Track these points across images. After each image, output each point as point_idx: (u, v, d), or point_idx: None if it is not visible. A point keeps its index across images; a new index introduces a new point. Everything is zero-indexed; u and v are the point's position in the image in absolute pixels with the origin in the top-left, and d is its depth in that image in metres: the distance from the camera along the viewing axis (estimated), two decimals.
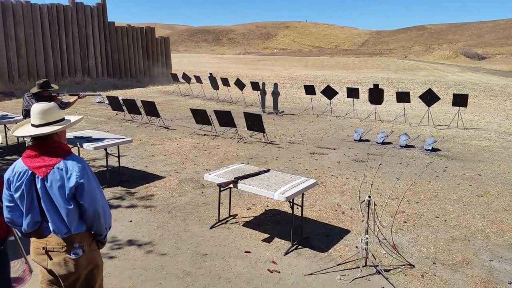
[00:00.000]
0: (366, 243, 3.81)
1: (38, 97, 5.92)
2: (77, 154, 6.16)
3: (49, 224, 2.31)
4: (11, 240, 2.82)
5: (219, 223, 4.88)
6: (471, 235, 4.69)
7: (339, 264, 3.99)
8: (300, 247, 4.34)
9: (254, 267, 3.92)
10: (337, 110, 13.82)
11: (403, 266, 3.97)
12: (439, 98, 11.95)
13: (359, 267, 3.85)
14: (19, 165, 2.32)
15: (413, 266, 3.98)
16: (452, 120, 11.77)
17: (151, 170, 6.97)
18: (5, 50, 16.95)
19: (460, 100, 11.48)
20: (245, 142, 9.14)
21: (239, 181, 4.39)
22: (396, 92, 12.93)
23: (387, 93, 17.47)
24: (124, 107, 11.44)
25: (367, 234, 3.80)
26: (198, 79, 18.58)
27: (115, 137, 6.51)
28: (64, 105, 5.89)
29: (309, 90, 14.34)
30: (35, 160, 2.28)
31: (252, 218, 5.08)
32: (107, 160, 6.34)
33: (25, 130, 2.39)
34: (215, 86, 16.90)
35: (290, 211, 4.41)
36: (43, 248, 2.33)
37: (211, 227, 4.77)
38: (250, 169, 4.87)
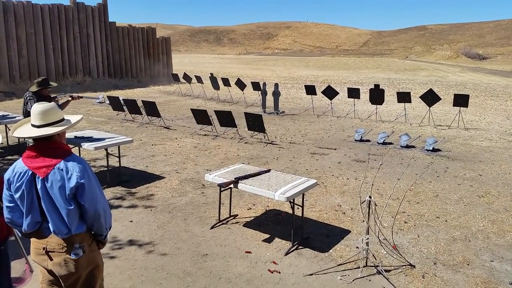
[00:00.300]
0: (367, 244, 3.80)
1: (39, 97, 5.93)
2: (78, 154, 6.19)
3: (50, 224, 2.31)
4: (12, 240, 2.82)
5: (220, 223, 4.88)
6: (471, 235, 4.68)
7: (339, 265, 3.98)
8: (300, 247, 4.33)
9: (254, 267, 3.92)
10: (338, 110, 13.81)
11: (404, 267, 3.96)
12: (440, 99, 11.94)
13: (359, 268, 3.85)
14: (19, 165, 2.32)
15: (414, 266, 3.97)
16: (453, 121, 11.76)
17: (152, 170, 6.97)
18: (6, 50, 16.97)
19: (461, 101, 11.47)
20: (246, 142, 9.14)
21: (239, 181, 4.39)
22: (397, 92, 12.92)
23: (388, 93, 17.46)
24: (125, 107, 11.44)
25: (368, 234, 3.80)
26: (199, 79, 18.59)
27: (116, 137, 6.51)
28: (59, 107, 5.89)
29: (310, 90, 14.34)
30: (35, 161, 2.28)
31: (253, 218, 5.08)
32: (107, 160, 6.34)
33: (26, 131, 2.38)
34: (215, 86, 16.90)
35: (290, 211, 4.41)
36: (43, 248, 2.33)
37: (212, 227, 4.77)
38: (250, 169, 4.87)
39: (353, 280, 3.71)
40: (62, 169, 2.26)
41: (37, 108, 2.37)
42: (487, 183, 6.58)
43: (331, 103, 13.68)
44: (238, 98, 16.44)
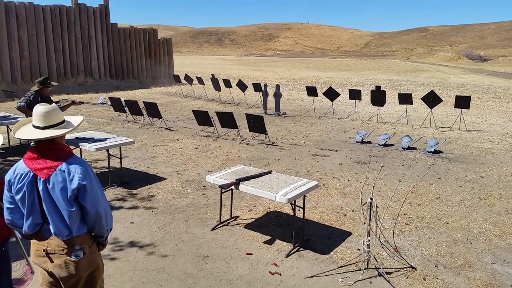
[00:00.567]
0: (368, 246, 3.79)
1: (40, 97, 5.96)
2: (79, 155, 6.18)
3: (50, 226, 2.31)
4: (13, 241, 2.82)
5: (221, 225, 4.87)
6: (473, 237, 4.67)
7: (340, 267, 3.98)
8: (301, 249, 4.33)
9: (255, 269, 3.92)
10: (339, 112, 13.81)
11: (405, 269, 3.95)
12: (442, 100, 11.92)
13: (360, 270, 3.84)
14: (20, 166, 2.32)
15: (415, 268, 3.96)
16: (455, 122, 11.74)
17: (153, 172, 6.97)
18: (8, 51, 17.00)
19: (462, 102, 11.45)
20: (247, 144, 9.14)
21: (240, 182, 4.39)
22: (398, 94, 12.92)
23: (389, 94, 17.44)
24: (126, 108, 11.45)
25: (369, 236, 3.79)
26: (200, 81, 18.60)
27: (117, 138, 6.51)
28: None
29: (311, 91, 14.33)
30: (37, 162, 2.27)
31: (254, 220, 5.07)
32: (109, 161, 6.35)
33: (30, 133, 2.37)
34: (217, 87, 16.91)
35: (291, 213, 4.40)
36: (44, 250, 2.33)
37: (213, 229, 4.77)
38: (251, 170, 4.87)
39: (354, 282, 3.71)
40: (64, 171, 2.26)
41: (40, 109, 2.36)
42: (489, 185, 6.57)
43: (332, 104, 13.67)
44: (240, 99, 16.45)
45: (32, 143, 2.41)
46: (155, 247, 4.32)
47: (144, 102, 11.08)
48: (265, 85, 13.73)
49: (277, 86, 13.44)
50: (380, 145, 9.06)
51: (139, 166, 7.29)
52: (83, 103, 7.27)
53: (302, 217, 4.54)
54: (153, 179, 6.58)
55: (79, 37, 19.81)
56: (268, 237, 4.59)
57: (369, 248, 3.82)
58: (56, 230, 2.29)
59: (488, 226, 4.98)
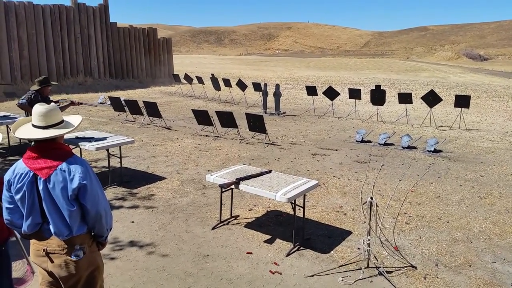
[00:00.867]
0: (368, 245, 3.79)
1: (42, 99, 5.95)
2: (79, 155, 6.18)
3: (50, 226, 2.30)
4: (13, 241, 2.82)
5: (221, 224, 4.87)
6: (473, 236, 4.67)
7: (341, 266, 3.98)
8: (302, 248, 4.33)
9: (256, 268, 3.92)
10: (339, 111, 13.80)
11: (405, 268, 3.95)
12: (441, 99, 11.92)
13: (361, 269, 3.84)
14: (20, 166, 2.31)
15: (415, 267, 3.96)
16: (454, 121, 11.74)
17: (153, 171, 6.97)
18: (8, 51, 17.00)
19: (462, 101, 11.45)
20: (247, 143, 9.14)
21: (240, 182, 4.38)
22: (398, 93, 12.92)
23: (389, 94, 17.45)
24: (126, 108, 11.45)
25: (369, 235, 3.79)
26: (200, 80, 18.60)
27: (117, 137, 6.51)
28: None
29: (311, 91, 14.33)
30: (37, 162, 2.27)
31: (254, 219, 5.07)
32: (109, 161, 6.34)
33: (30, 132, 2.36)
34: (216, 87, 16.91)
35: (292, 212, 4.40)
36: (44, 250, 2.33)
37: (213, 228, 4.77)
38: (251, 170, 4.87)
39: (354, 282, 3.70)
40: (64, 170, 2.25)
41: (40, 109, 2.36)
42: (489, 184, 6.57)
43: (332, 103, 13.67)
44: (239, 98, 16.44)
45: (32, 143, 2.40)
46: (155, 247, 4.31)
47: (143, 101, 11.07)
48: (265, 85, 13.73)
49: (277, 86, 13.44)
50: (380, 144, 9.06)
51: (139, 165, 7.29)
52: (81, 103, 7.26)
53: (302, 216, 4.53)
54: (153, 178, 6.58)
55: (78, 36, 19.80)
56: (269, 236, 4.59)
57: (370, 247, 3.82)
58: (56, 229, 2.29)
59: (489, 225, 4.98)
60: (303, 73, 36.95)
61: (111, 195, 5.75)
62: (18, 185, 2.27)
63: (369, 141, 9.45)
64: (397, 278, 3.78)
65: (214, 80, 17.13)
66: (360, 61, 60.74)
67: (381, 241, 4.13)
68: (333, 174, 6.98)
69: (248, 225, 4.88)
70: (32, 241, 2.39)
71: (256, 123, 9.07)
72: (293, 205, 4.27)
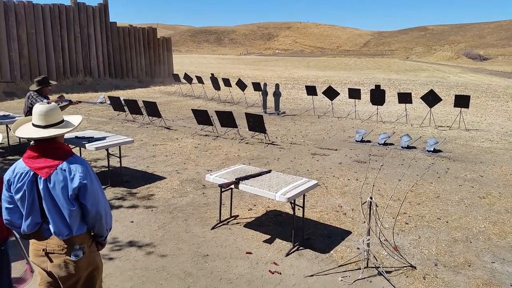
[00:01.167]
0: (368, 245, 3.79)
1: (44, 97, 5.93)
2: (79, 154, 6.18)
3: (50, 225, 2.30)
4: (12, 241, 2.82)
5: (220, 224, 4.87)
6: (473, 236, 4.67)
7: (340, 266, 3.98)
8: (301, 248, 4.33)
9: (255, 268, 3.92)
10: (339, 111, 13.81)
11: (405, 268, 3.95)
12: (441, 99, 11.93)
13: (360, 269, 3.84)
14: (20, 165, 2.31)
15: (415, 267, 3.96)
16: (454, 121, 11.75)
17: (153, 171, 6.97)
18: (7, 50, 16.99)
19: (462, 101, 11.46)
20: (247, 143, 9.14)
21: (240, 181, 4.38)
22: (398, 93, 12.92)
23: (388, 94, 17.45)
24: (125, 108, 11.44)
25: (369, 235, 3.79)
26: (200, 80, 18.59)
27: (117, 137, 6.51)
28: None
29: (311, 90, 14.33)
30: (37, 161, 2.27)
31: (253, 219, 5.07)
32: (108, 161, 6.34)
33: (30, 131, 2.36)
34: (216, 86, 16.91)
35: (291, 212, 4.40)
36: (43, 250, 2.32)
37: (212, 228, 4.77)
38: (251, 169, 4.87)
39: (354, 281, 3.70)
40: (64, 170, 2.25)
41: (40, 108, 2.35)
42: (488, 184, 6.57)
43: (332, 103, 13.67)
44: (239, 98, 16.44)
45: (31, 142, 2.40)
46: (154, 246, 4.31)
47: (143, 101, 11.07)
48: (265, 84, 13.73)
49: (277, 85, 13.44)
50: (380, 144, 9.07)
51: (138, 165, 7.29)
52: (80, 102, 7.25)
53: (301, 216, 4.54)
54: (153, 178, 6.58)
55: (78, 36, 19.79)
56: (268, 236, 4.59)
57: (369, 247, 3.82)
58: (56, 229, 2.29)
59: (488, 225, 4.98)
60: (303, 73, 36.95)
61: (110, 194, 5.75)
62: (18, 185, 2.27)
63: (369, 141, 9.45)
64: (397, 278, 3.79)
65: (213, 79, 17.13)
66: (360, 61, 60.75)
67: (380, 241, 4.13)
68: (333, 174, 6.98)
69: (248, 225, 4.88)
70: (32, 241, 2.38)
71: (256, 123, 9.07)
72: (292, 205, 4.27)
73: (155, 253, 4.17)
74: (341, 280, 3.73)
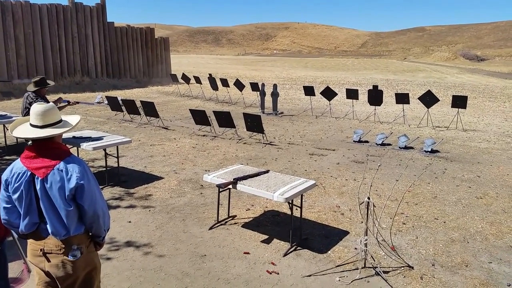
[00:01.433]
0: (365, 245, 3.80)
1: (41, 98, 5.90)
2: (76, 155, 6.17)
3: (48, 225, 2.29)
4: (9, 241, 2.81)
5: (218, 224, 4.87)
6: (470, 237, 4.69)
7: (338, 266, 3.98)
8: (299, 248, 4.33)
9: (253, 268, 3.92)
10: (337, 111, 13.82)
11: (402, 268, 3.96)
12: (438, 100, 11.96)
13: (358, 269, 3.85)
14: (17, 166, 2.30)
15: (412, 267, 3.97)
16: (451, 122, 11.78)
17: (150, 171, 6.96)
18: (4, 50, 16.94)
19: (459, 102, 11.49)
20: (244, 143, 9.14)
21: (238, 182, 4.38)
22: (395, 94, 12.94)
23: (386, 94, 17.46)
24: (123, 108, 11.43)
25: (366, 235, 3.80)
26: (198, 80, 18.59)
27: (114, 137, 6.49)
28: None
29: (309, 91, 14.34)
30: (34, 161, 2.26)
31: (251, 219, 5.07)
32: (106, 161, 6.33)
33: (28, 131, 2.35)
34: (214, 86, 16.90)
35: (289, 212, 4.40)
36: (41, 250, 2.32)
37: (210, 228, 4.76)
38: (249, 170, 4.87)
39: (351, 281, 3.71)
40: (61, 170, 2.25)
41: (38, 108, 2.35)
42: (486, 184, 6.59)
43: (330, 104, 13.69)
44: (237, 98, 16.44)
45: (29, 142, 2.39)
46: (152, 247, 4.31)
47: (141, 101, 11.05)
48: (263, 85, 13.73)
49: (275, 86, 13.44)
50: (377, 145, 9.08)
51: (136, 165, 7.28)
52: (78, 103, 7.24)
53: (299, 216, 4.54)
54: (151, 178, 6.57)
55: (75, 36, 19.75)
56: (266, 236, 4.59)
57: (367, 247, 3.83)
58: (53, 229, 2.28)
59: (485, 225, 5.00)
60: (301, 73, 36.97)
61: (108, 195, 5.74)
62: (16, 185, 2.26)
63: (367, 141, 9.46)
64: (394, 278, 3.79)
65: (211, 80, 17.12)
66: (358, 62, 60.83)
67: (378, 241, 4.14)
68: (331, 174, 6.99)
69: (246, 225, 4.88)
70: (29, 241, 2.38)
71: (254, 123, 9.07)
72: (290, 205, 4.27)
73: (152, 253, 4.16)
74: (339, 280, 3.73)
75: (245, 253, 4.21)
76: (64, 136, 5.39)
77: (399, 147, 8.80)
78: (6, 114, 8.34)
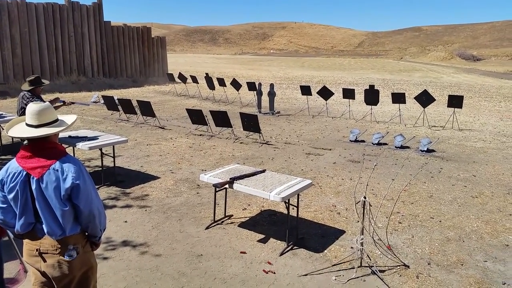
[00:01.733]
0: (361, 244, 3.81)
1: (37, 97, 5.87)
2: (72, 154, 6.15)
3: (43, 225, 2.29)
4: (5, 241, 2.80)
5: (215, 224, 4.87)
6: (465, 235, 4.71)
7: (334, 265, 3.99)
8: (295, 247, 4.34)
9: (249, 268, 3.92)
10: (333, 111, 13.84)
11: (398, 267, 3.98)
12: (434, 99, 12.00)
13: (354, 268, 3.86)
14: (13, 165, 2.30)
15: (408, 266, 3.99)
16: (447, 121, 11.82)
17: (147, 170, 6.95)
18: (0, 49, 16.85)
19: (455, 101, 11.53)
20: (241, 143, 9.14)
21: (234, 181, 4.39)
22: (392, 93, 12.98)
23: (382, 94, 17.52)
24: (119, 107, 11.40)
25: (362, 234, 3.81)
26: (194, 79, 18.56)
27: (110, 137, 6.48)
28: None
29: (305, 90, 14.36)
30: (30, 161, 2.25)
31: (248, 218, 5.07)
32: (102, 160, 6.31)
33: (23, 131, 2.34)
34: (211, 86, 16.89)
35: (285, 211, 4.41)
36: (37, 250, 2.31)
37: (207, 228, 4.77)
38: (245, 169, 4.87)
39: (347, 281, 3.72)
40: (57, 170, 2.24)
41: (33, 108, 2.34)
42: (481, 183, 6.62)
43: (326, 103, 13.71)
44: (234, 98, 16.43)
45: (25, 142, 2.38)
46: (148, 246, 4.31)
47: (137, 100, 11.03)
48: (259, 84, 13.73)
49: (271, 85, 13.45)
50: (374, 144, 9.10)
51: (132, 165, 7.27)
52: (74, 103, 7.21)
53: (296, 215, 4.54)
54: (147, 178, 6.56)
55: (72, 35, 19.68)
56: (262, 236, 4.60)
57: (363, 246, 3.84)
58: (49, 229, 2.28)
59: (480, 224, 5.02)
60: (298, 72, 37.00)
61: (104, 194, 5.73)
62: (11, 185, 2.26)
63: (363, 141, 9.49)
64: (390, 277, 3.81)
65: (208, 79, 17.11)
66: (354, 61, 60.93)
67: (374, 240, 4.15)
68: (327, 173, 7.00)
69: (242, 225, 4.88)
70: (25, 241, 2.37)
71: (250, 123, 9.07)
72: (287, 204, 4.28)
73: (149, 253, 4.16)
74: (335, 279, 3.75)
75: (241, 252, 4.21)
76: (60, 135, 5.37)
77: (395, 147, 8.83)
78: (2, 114, 8.30)
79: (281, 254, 4.20)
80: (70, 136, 6.21)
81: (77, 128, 8.68)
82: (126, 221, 4.90)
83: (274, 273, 3.84)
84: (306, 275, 3.82)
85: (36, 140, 2.31)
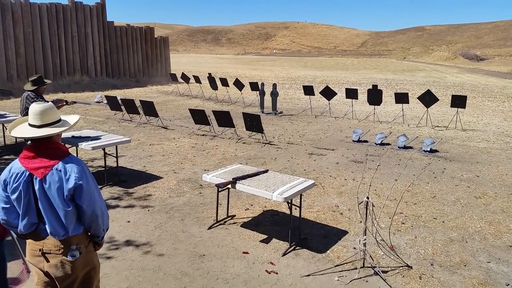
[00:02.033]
0: (364, 244, 3.81)
1: (41, 97, 5.89)
2: (75, 154, 6.17)
3: (46, 226, 2.29)
4: (8, 241, 2.81)
5: (217, 224, 4.87)
6: (468, 236, 4.69)
7: (337, 265, 3.99)
8: (298, 248, 4.33)
9: (252, 268, 3.92)
10: (336, 111, 13.82)
11: (401, 268, 3.97)
12: (438, 99, 11.96)
13: (357, 268, 3.85)
14: (16, 166, 2.30)
15: (411, 267, 3.98)
16: (451, 121, 11.78)
17: (149, 170, 6.96)
18: (4, 49, 16.92)
19: (458, 102, 11.50)
20: (244, 143, 9.14)
21: (237, 181, 4.39)
22: (395, 93, 12.94)
23: (385, 94, 17.46)
24: (122, 107, 11.42)
25: (365, 235, 3.80)
26: (197, 79, 18.58)
27: (113, 137, 6.49)
28: None
29: (308, 90, 14.34)
30: (33, 161, 2.26)
31: (250, 218, 5.07)
32: (105, 160, 6.33)
33: (26, 131, 2.35)
34: (214, 86, 16.90)
35: (288, 212, 4.41)
36: (40, 250, 2.32)
37: (209, 228, 4.77)
38: (248, 169, 4.87)
39: (350, 281, 3.71)
40: (60, 170, 2.24)
41: (36, 108, 2.35)
42: (484, 184, 6.60)
43: (329, 103, 13.69)
44: (236, 98, 16.44)
45: (28, 142, 2.39)
46: (151, 246, 4.31)
47: (140, 100, 11.05)
48: (262, 84, 13.73)
49: (274, 85, 13.45)
50: (377, 144, 9.08)
51: (135, 165, 7.28)
52: (75, 102, 7.23)
53: (298, 216, 4.54)
54: (150, 178, 6.57)
55: (75, 35, 19.74)
56: (265, 236, 4.60)
57: (365, 247, 3.83)
58: (52, 229, 2.28)
59: (484, 225, 5.00)
60: (300, 72, 36.97)
61: (107, 194, 5.75)
62: (14, 185, 2.26)
63: (366, 141, 9.47)
64: (393, 277, 3.80)
65: (211, 79, 17.12)
66: (357, 61, 60.83)
67: (377, 240, 4.14)
68: (330, 173, 6.99)
69: (245, 225, 4.88)
70: (28, 241, 2.38)
71: (253, 123, 9.07)
72: (289, 204, 4.28)
73: (151, 253, 4.17)
74: (338, 280, 3.74)
75: (244, 252, 4.21)
76: (63, 135, 5.39)
77: (398, 147, 8.81)
78: (5, 114, 8.33)
79: (284, 254, 4.19)
80: (73, 136, 6.23)
81: (80, 128, 8.70)
82: (129, 221, 4.91)
83: (277, 273, 3.84)
84: (308, 275, 3.81)
85: (39, 140, 2.31)
